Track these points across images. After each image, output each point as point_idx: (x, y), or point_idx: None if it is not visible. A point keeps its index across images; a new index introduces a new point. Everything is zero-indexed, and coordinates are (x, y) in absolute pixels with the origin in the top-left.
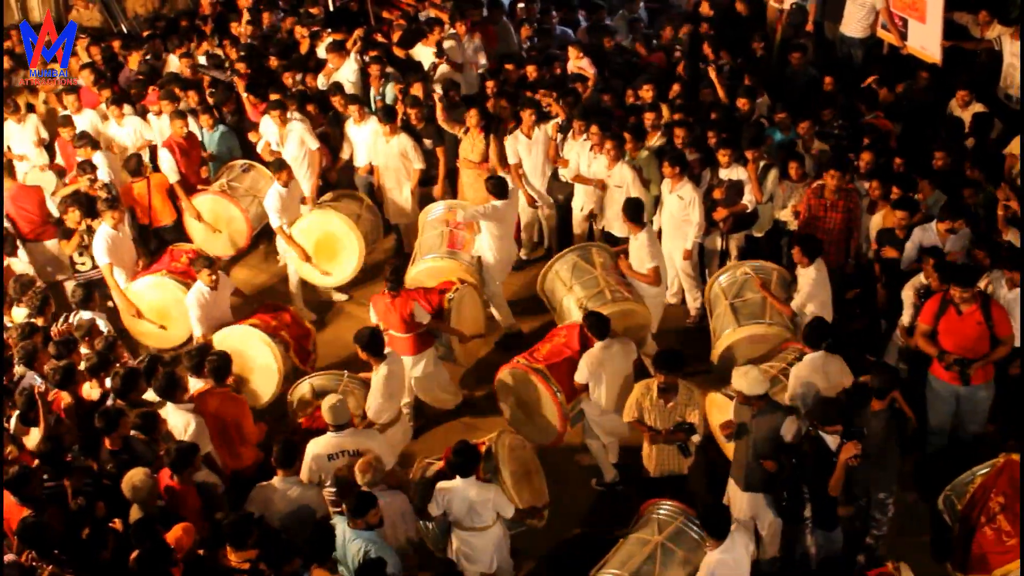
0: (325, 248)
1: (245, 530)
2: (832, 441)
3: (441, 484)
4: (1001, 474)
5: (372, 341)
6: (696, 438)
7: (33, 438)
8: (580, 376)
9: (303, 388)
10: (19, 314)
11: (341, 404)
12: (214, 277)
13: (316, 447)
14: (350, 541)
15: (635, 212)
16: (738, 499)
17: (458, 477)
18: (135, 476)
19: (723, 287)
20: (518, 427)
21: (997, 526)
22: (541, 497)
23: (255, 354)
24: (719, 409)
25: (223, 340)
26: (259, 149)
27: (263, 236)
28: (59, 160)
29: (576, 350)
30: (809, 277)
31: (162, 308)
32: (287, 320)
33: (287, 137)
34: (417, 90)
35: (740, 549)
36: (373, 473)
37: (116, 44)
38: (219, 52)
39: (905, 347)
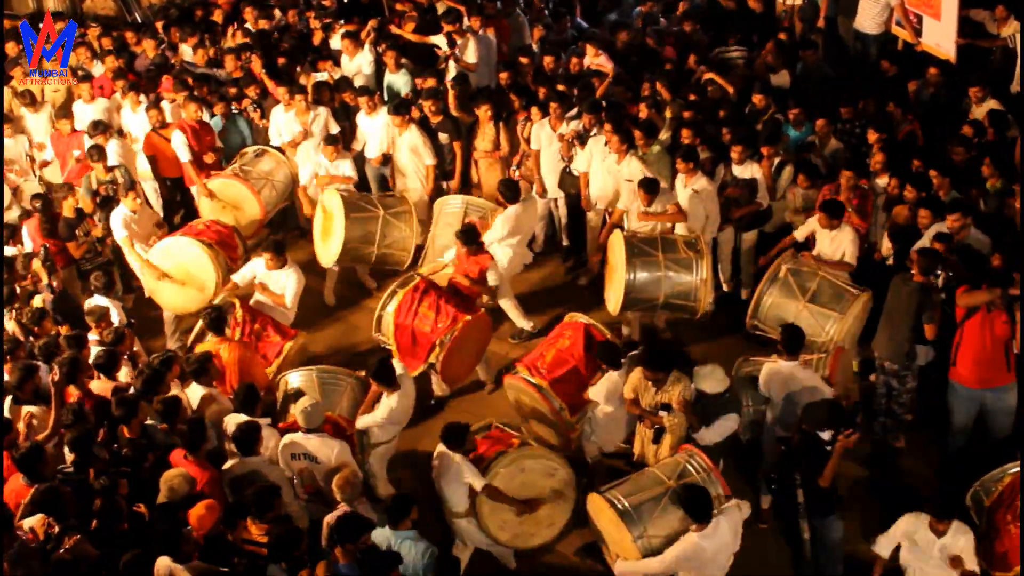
0: (326, 226)
1: (268, 500)
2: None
3: (440, 449)
4: None
5: (382, 370)
6: (664, 414)
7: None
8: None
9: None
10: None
11: (313, 409)
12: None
13: (284, 440)
14: (398, 545)
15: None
16: None
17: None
18: (173, 479)
19: (776, 298)
20: (538, 432)
21: (1008, 530)
22: (538, 528)
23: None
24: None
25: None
26: (273, 140)
27: (282, 228)
28: (52, 155)
29: (581, 358)
30: (847, 234)
31: (182, 268)
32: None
33: (313, 122)
34: (431, 83)
35: (724, 534)
36: (352, 489)
37: (128, 33)
38: (231, 41)
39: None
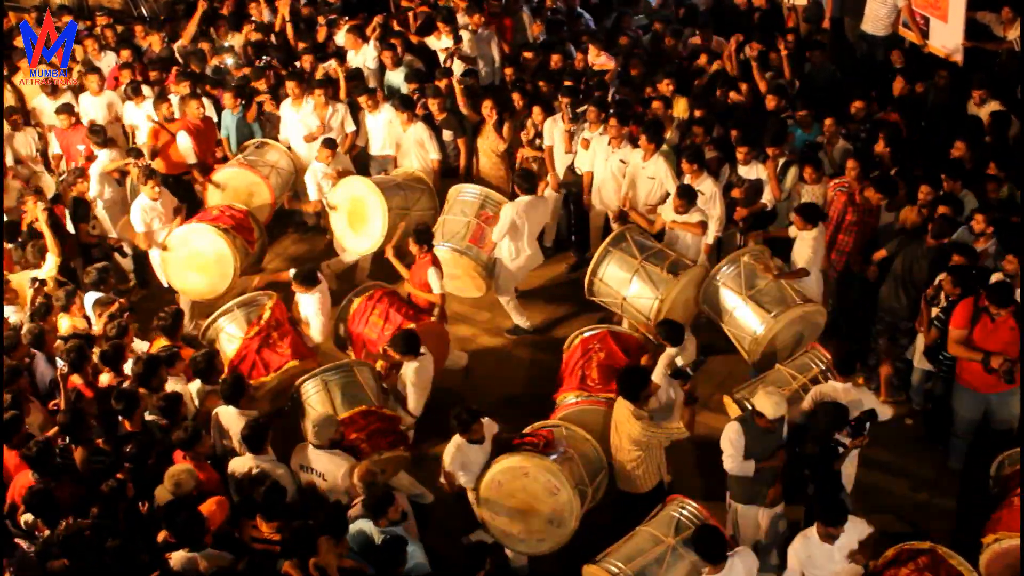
0: (353, 215)
1: (279, 498)
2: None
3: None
4: None
5: (407, 342)
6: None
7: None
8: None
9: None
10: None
11: (323, 424)
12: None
13: (297, 449)
14: (380, 539)
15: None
16: (746, 515)
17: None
18: (180, 475)
19: (727, 280)
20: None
21: (1010, 500)
22: (529, 536)
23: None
24: None
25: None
26: (281, 134)
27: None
28: (56, 149)
29: (625, 360)
30: (810, 236)
31: (199, 255)
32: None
33: (331, 117)
34: (440, 82)
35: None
36: (374, 480)
37: (137, 28)
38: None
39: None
